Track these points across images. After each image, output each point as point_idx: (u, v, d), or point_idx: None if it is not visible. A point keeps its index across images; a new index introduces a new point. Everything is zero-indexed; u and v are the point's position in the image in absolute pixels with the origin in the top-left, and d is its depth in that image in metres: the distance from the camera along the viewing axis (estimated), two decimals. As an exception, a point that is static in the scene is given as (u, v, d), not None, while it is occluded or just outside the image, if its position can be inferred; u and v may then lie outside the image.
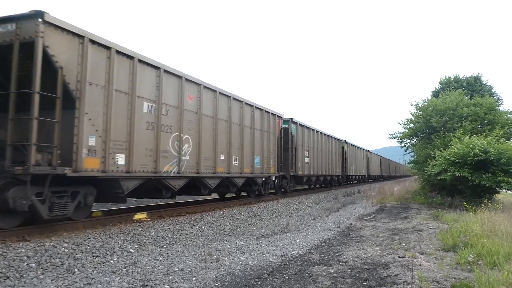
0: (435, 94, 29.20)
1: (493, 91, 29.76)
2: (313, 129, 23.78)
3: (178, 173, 10.79)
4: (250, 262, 6.89)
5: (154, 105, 9.93)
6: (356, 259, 7.10)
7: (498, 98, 28.57)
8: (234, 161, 14.09)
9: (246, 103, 14.99)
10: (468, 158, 15.04)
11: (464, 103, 21.12)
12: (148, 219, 10.39)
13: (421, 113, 22.64)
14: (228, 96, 13.72)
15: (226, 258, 7.15)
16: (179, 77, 10.99)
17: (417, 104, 23.69)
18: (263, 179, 16.98)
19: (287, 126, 20.01)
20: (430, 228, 10.90)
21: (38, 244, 6.74)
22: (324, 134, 26.46)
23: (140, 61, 9.47)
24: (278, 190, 19.46)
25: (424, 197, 20.38)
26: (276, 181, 18.69)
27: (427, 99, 24.79)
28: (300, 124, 21.47)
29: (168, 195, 10.94)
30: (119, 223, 9.49)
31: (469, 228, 9.18)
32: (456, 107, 20.78)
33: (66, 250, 6.72)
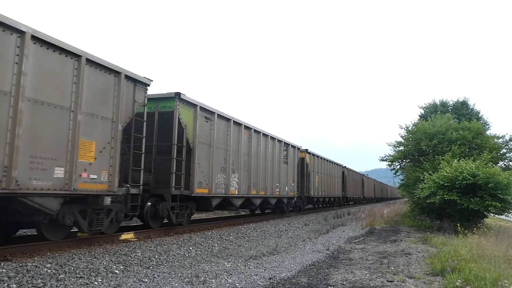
0: (423, 117, 29.57)
1: (480, 115, 30.20)
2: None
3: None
4: (237, 284, 6.79)
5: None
6: (344, 283, 7.03)
7: (485, 123, 28.98)
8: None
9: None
10: (457, 182, 15.14)
11: (453, 127, 21.40)
12: (135, 239, 10.23)
13: (410, 136, 22.87)
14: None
15: (213, 280, 7.03)
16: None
17: (407, 127, 23.97)
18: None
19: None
20: (419, 252, 10.87)
21: (20, 264, 6.58)
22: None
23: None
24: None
25: (413, 220, 20.40)
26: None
27: (416, 122, 25.07)
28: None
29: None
30: (105, 243, 9.33)
31: (457, 252, 9.19)
32: (446, 131, 21.04)
33: (49, 271, 6.57)
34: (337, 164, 33.58)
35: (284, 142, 20.58)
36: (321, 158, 28.51)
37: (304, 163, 24.33)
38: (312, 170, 25.52)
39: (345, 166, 36.98)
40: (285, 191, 20.63)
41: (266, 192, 17.81)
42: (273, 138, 18.95)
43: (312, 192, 25.26)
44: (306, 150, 24.92)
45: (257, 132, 17.13)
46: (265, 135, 17.93)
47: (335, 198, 32.74)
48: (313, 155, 26.33)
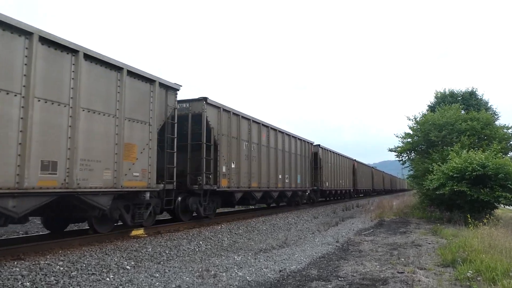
0: (431, 108, 29.30)
1: (489, 105, 29.87)
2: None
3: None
4: (248, 277, 6.83)
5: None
6: (355, 274, 7.04)
7: (494, 113, 28.66)
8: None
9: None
10: (467, 173, 15.03)
11: (462, 118, 21.21)
12: (145, 235, 10.31)
13: (419, 127, 22.70)
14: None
15: (224, 273, 7.08)
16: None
17: (416, 118, 23.79)
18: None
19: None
20: (429, 243, 10.84)
21: (33, 263, 6.67)
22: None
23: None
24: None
25: (422, 211, 20.30)
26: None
27: (424, 113, 24.87)
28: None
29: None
30: (116, 239, 9.41)
31: (468, 243, 9.14)
32: (455, 122, 20.86)
33: (61, 268, 6.65)
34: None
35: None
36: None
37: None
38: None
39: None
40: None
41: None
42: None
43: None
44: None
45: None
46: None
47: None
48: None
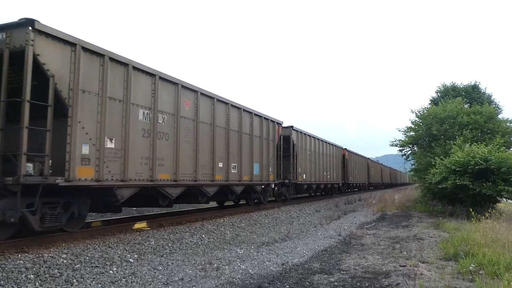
0: (434, 101, 29.22)
1: (492, 98, 29.78)
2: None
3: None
4: (250, 270, 6.85)
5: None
6: (357, 268, 7.06)
7: (497, 106, 28.57)
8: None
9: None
10: (469, 167, 15.02)
11: (464, 112, 21.15)
12: (148, 228, 10.34)
13: (421, 121, 22.66)
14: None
15: (227, 266, 7.11)
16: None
17: (418, 111, 23.74)
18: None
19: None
20: (431, 237, 10.85)
21: (37, 255, 6.69)
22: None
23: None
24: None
25: (425, 205, 20.32)
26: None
27: (427, 107, 24.80)
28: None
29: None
30: (119, 232, 9.44)
31: (470, 237, 9.14)
32: (457, 115, 20.80)
33: (65, 261, 6.68)
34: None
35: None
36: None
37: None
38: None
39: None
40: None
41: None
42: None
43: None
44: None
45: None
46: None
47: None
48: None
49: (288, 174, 19.74)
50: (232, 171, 13.85)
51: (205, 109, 12.34)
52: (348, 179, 32.91)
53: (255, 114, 15.83)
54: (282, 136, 18.99)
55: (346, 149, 32.74)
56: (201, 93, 12.13)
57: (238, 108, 14.49)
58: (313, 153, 23.82)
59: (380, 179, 54.87)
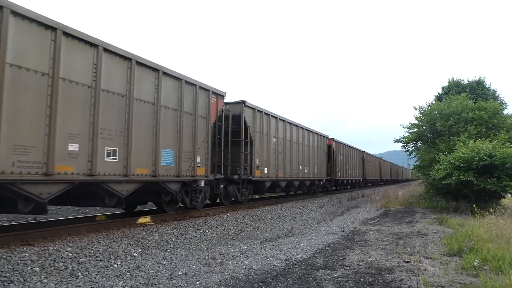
0: (439, 98, 29.11)
1: (497, 94, 29.62)
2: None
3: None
4: (254, 266, 6.87)
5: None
6: (360, 264, 7.06)
7: (502, 102, 28.42)
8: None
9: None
10: (473, 163, 14.96)
11: (469, 107, 21.06)
12: (152, 223, 10.38)
13: (424, 117, 22.59)
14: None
15: (230, 262, 7.13)
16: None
17: (422, 108, 23.65)
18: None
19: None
20: (435, 233, 10.84)
21: (42, 248, 6.74)
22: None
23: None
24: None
25: (428, 201, 20.28)
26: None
27: (431, 103, 24.71)
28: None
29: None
30: (123, 227, 9.48)
31: (474, 232, 9.12)
32: (461, 111, 20.72)
33: (70, 254, 6.72)
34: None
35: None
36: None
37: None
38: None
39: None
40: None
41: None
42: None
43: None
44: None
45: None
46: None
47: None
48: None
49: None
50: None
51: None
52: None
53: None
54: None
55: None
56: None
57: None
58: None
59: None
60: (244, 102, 14.79)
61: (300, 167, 20.30)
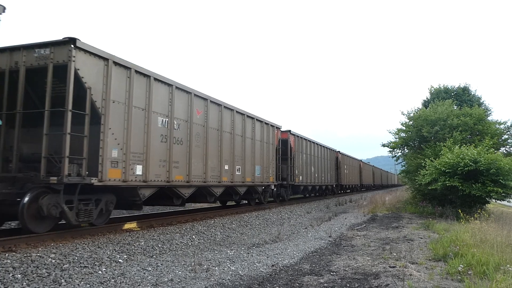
0: (426, 103, 29.45)
1: (481, 101, 30.08)
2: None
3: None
4: (240, 272, 6.84)
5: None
6: (347, 269, 7.07)
7: (487, 109, 28.87)
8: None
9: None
10: (459, 168, 15.12)
11: (454, 114, 21.34)
12: (138, 229, 10.28)
13: (411, 123, 22.83)
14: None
15: (216, 268, 7.09)
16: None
17: (409, 113, 23.91)
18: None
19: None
20: (421, 238, 10.91)
21: (25, 255, 6.62)
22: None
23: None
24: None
25: (415, 206, 20.44)
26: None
27: (418, 109, 24.99)
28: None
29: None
30: (108, 232, 9.37)
31: (459, 238, 9.21)
32: (447, 117, 20.98)
33: (53, 261, 6.60)
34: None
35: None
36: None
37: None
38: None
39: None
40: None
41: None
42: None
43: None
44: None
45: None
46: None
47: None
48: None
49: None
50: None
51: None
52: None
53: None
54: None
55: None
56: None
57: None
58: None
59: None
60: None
61: (226, 167, 14.42)
